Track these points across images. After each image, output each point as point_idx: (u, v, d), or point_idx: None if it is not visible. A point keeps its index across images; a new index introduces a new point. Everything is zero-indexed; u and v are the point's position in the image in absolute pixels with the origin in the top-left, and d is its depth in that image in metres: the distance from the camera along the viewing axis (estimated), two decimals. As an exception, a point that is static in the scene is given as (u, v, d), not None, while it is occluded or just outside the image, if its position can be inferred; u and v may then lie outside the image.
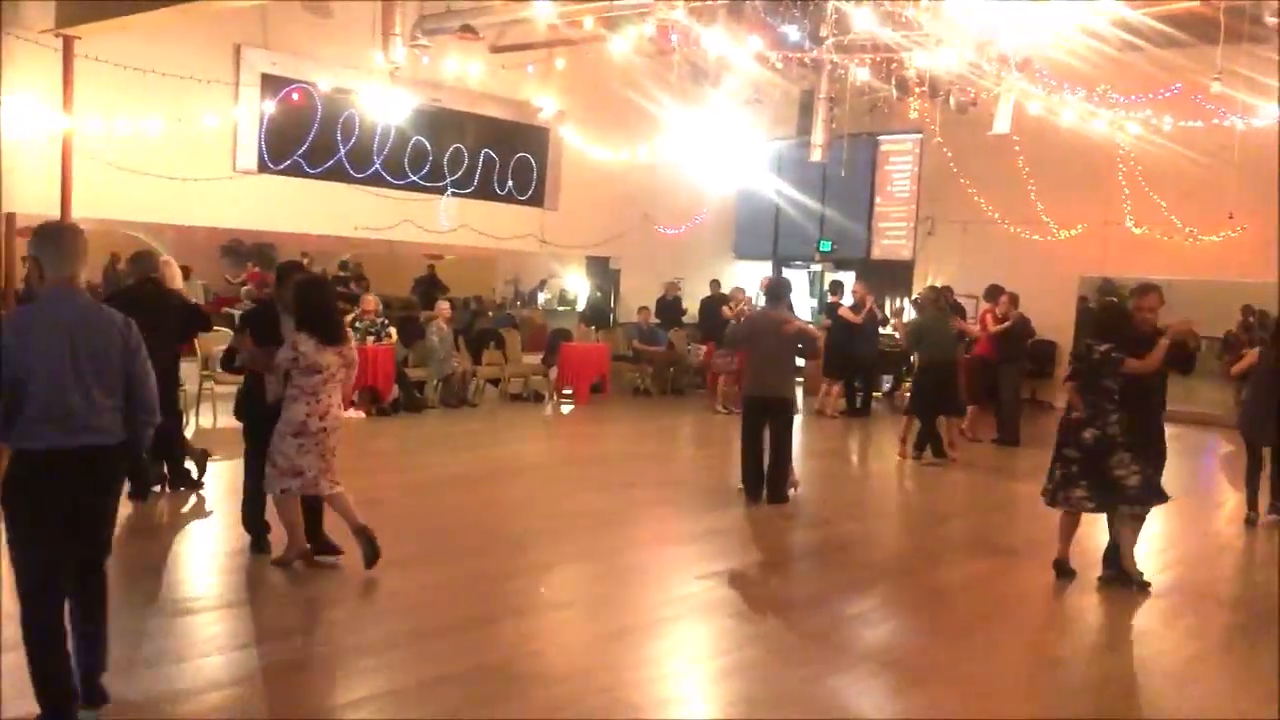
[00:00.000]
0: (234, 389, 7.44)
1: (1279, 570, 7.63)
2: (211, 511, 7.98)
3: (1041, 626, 6.50)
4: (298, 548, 6.43)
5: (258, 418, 6.49)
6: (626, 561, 7.35)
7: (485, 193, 16.43)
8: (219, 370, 10.69)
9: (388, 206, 15.13)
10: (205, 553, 7.15)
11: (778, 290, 9.59)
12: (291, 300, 6.41)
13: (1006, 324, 12.75)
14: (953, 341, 11.95)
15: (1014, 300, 12.94)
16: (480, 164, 16.27)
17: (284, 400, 6.25)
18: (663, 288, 18.10)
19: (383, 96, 13.78)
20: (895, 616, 6.47)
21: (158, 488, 8.23)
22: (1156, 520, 8.71)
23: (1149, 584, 6.84)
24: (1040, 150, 15.95)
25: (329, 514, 6.60)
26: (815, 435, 13.71)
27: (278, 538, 6.61)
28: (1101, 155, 15.79)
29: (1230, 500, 11.47)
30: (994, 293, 13.09)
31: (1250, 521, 9.08)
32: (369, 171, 14.91)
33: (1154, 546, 7.87)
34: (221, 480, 8.46)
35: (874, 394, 16.25)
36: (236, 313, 11.84)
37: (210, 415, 11.58)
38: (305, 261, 13.88)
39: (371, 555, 6.27)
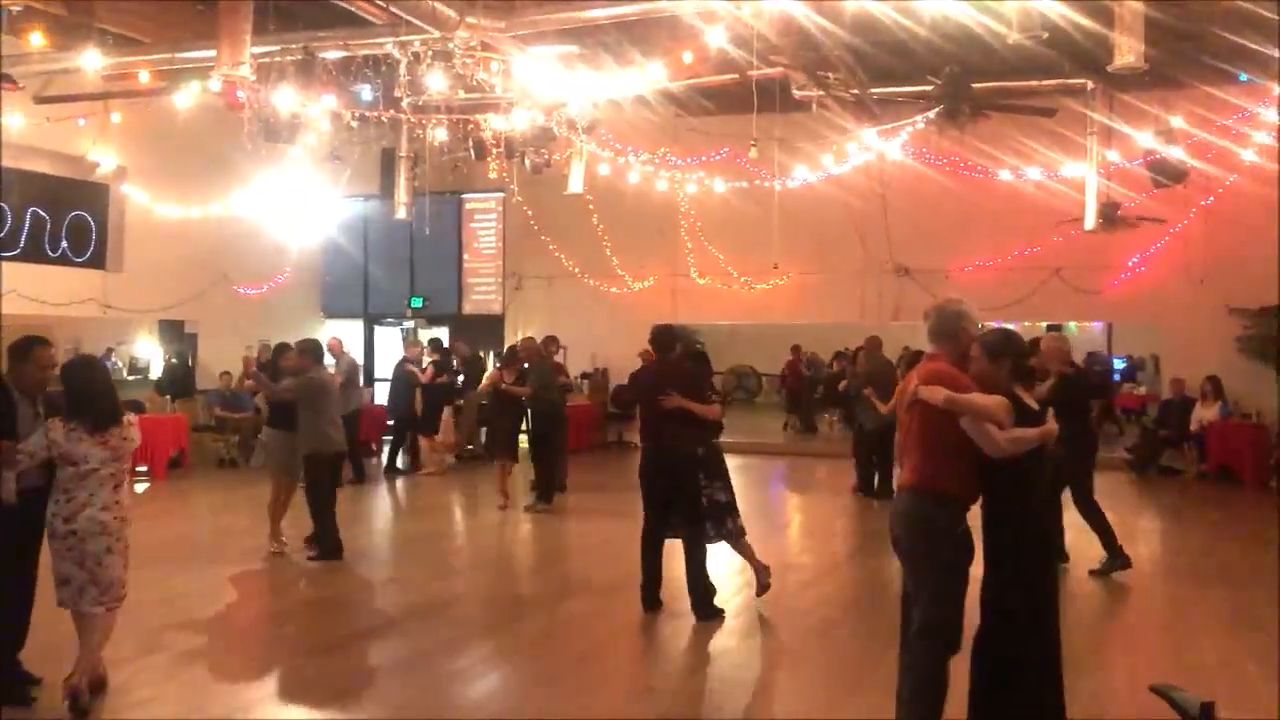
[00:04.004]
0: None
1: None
2: None
3: (633, 659, 6.86)
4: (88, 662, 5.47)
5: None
6: (206, 649, 6.84)
7: (35, 255, 14.84)
8: None
9: (-90, 272, 13.27)
10: None
11: (319, 353, 9.74)
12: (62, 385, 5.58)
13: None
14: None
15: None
16: (27, 223, 14.69)
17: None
18: (253, 350, 17.16)
19: (-104, 148, 12.10)
20: (496, 669, 6.56)
21: None
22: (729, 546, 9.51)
23: (719, 610, 7.36)
24: (613, 209, 17.05)
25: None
26: (416, 493, 13.60)
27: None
28: (666, 213, 17.18)
29: (796, 520, 12.73)
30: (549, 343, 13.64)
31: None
32: (-117, 233, 13.02)
33: (731, 570, 8.52)
34: None
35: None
36: None
37: None
38: None
39: (75, 714, 5.30)
